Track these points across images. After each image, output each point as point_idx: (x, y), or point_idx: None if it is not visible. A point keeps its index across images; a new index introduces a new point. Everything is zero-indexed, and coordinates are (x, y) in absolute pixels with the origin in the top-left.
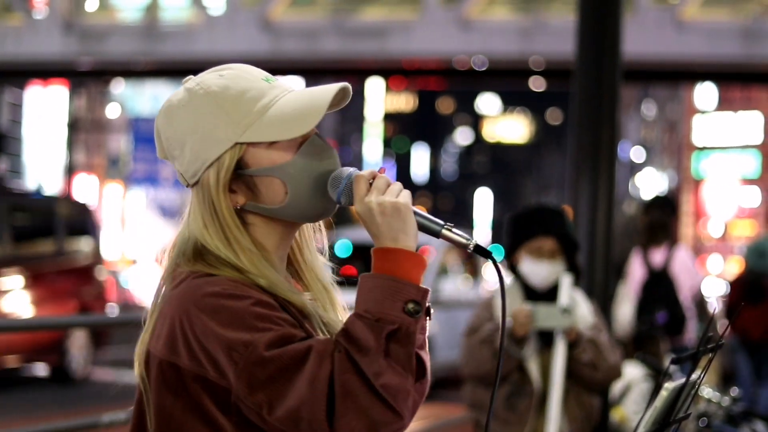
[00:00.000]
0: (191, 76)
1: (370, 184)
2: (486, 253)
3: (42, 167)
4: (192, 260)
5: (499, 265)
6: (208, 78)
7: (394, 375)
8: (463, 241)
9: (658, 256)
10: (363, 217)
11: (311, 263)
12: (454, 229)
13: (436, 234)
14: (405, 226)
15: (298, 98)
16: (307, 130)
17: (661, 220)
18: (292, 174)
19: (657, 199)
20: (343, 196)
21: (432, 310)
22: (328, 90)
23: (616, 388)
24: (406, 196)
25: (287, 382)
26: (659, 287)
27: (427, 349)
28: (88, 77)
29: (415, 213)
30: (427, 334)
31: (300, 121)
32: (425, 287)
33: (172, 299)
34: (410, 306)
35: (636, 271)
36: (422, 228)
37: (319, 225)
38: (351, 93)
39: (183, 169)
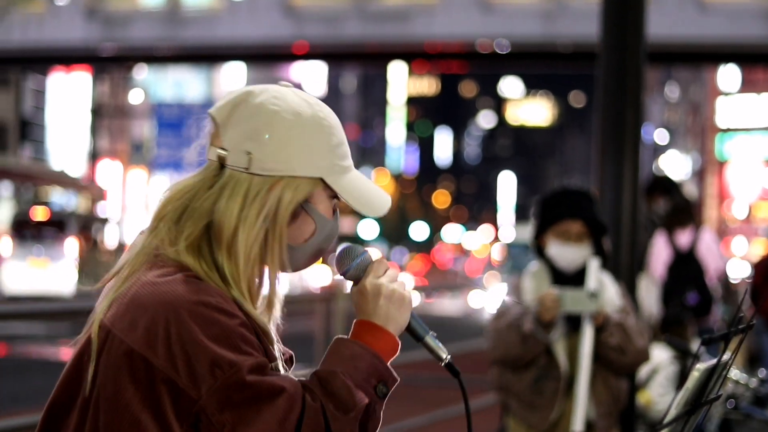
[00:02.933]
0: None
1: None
2: (454, 372)
3: (65, 153)
4: (187, 250)
5: (464, 387)
6: (322, 105)
7: None
8: (441, 354)
9: (683, 238)
10: (368, 293)
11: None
12: (436, 340)
13: (420, 338)
14: (400, 318)
15: (368, 184)
16: (376, 214)
17: (685, 202)
18: (325, 230)
19: (664, 180)
20: (356, 271)
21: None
22: (387, 196)
23: (643, 371)
24: (413, 296)
25: (257, 412)
26: (686, 269)
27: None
28: (111, 63)
29: (411, 314)
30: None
31: (374, 205)
32: (396, 376)
33: (158, 294)
34: (381, 387)
35: (661, 253)
36: (409, 327)
37: None
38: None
39: (259, 155)
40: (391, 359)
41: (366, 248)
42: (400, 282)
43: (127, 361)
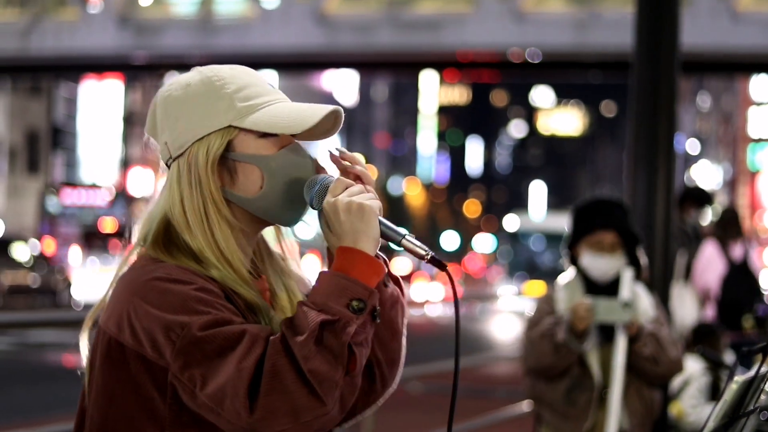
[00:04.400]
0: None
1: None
2: (441, 265)
3: (97, 161)
4: (151, 244)
5: (453, 277)
6: (220, 66)
7: (324, 363)
8: (421, 252)
9: (737, 251)
10: (329, 214)
11: (286, 272)
12: (413, 240)
13: (397, 242)
14: (367, 228)
15: (296, 106)
16: (299, 130)
17: (734, 213)
18: (272, 168)
19: (695, 191)
20: (316, 197)
21: (378, 313)
22: (321, 108)
23: (675, 382)
24: (375, 203)
25: (221, 361)
26: (745, 281)
27: (366, 349)
28: (143, 71)
29: (380, 220)
30: (369, 335)
31: (291, 123)
32: (373, 289)
33: (121, 281)
34: (354, 303)
35: (713, 265)
36: (384, 235)
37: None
38: (342, 121)
39: (171, 140)
40: (378, 273)
41: (329, 174)
42: (361, 194)
43: (107, 350)
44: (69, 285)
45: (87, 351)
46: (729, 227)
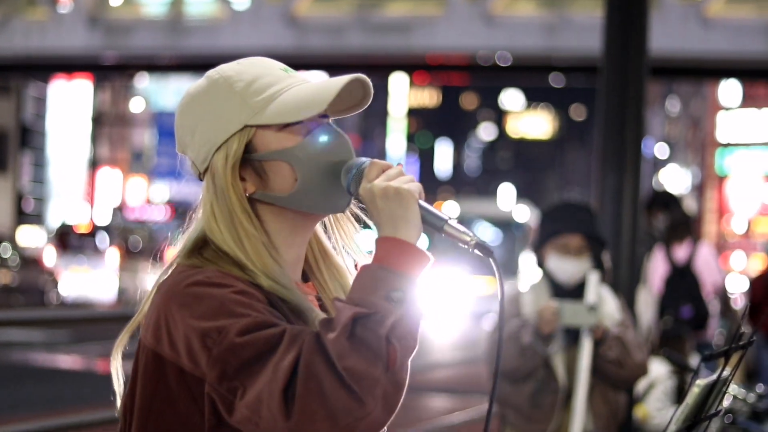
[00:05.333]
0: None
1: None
2: (488, 252)
3: (65, 161)
4: (188, 254)
5: (498, 266)
6: (226, 65)
7: (360, 360)
8: (466, 237)
9: (680, 253)
10: (366, 200)
11: (342, 271)
12: (457, 225)
13: (439, 228)
14: (406, 213)
15: (312, 87)
16: (315, 113)
17: (683, 216)
18: (300, 158)
19: (663, 195)
20: (353, 183)
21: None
22: (341, 78)
23: (641, 385)
24: (414, 186)
25: (260, 366)
26: (682, 283)
27: (411, 342)
28: (113, 71)
29: (420, 205)
30: (418, 328)
31: (310, 105)
32: (413, 279)
33: (160, 290)
34: (395, 294)
35: (658, 267)
36: (425, 220)
37: (354, 224)
38: (371, 88)
39: (194, 155)
40: (421, 262)
41: (365, 158)
42: (399, 177)
43: (146, 362)
44: (56, 284)
45: (119, 369)
46: (676, 230)
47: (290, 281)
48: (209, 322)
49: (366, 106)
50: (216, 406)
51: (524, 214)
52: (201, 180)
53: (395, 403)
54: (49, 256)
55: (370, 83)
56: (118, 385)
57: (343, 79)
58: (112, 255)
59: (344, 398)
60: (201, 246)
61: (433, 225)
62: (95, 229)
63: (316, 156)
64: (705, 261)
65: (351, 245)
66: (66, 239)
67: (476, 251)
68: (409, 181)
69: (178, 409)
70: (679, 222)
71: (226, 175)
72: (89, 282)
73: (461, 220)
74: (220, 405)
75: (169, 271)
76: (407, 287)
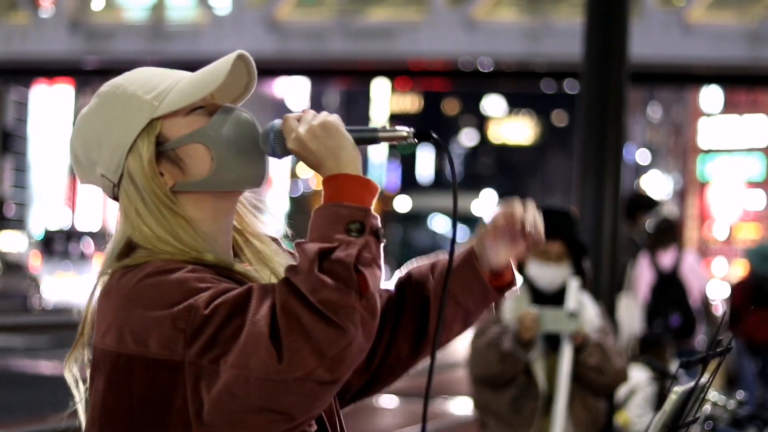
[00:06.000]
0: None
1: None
2: (427, 136)
3: (47, 166)
4: (117, 258)
5: (447, 148)
6: (112, 80)
7: (333, 290)
8: (403, 134)
9: (666, 260)
10: (299, 151)
11: (267, 255)
12: (389, 128)
13: (375, 140)
14: (340, 141)
15: (205, 70)
16: (214, 87)
17: (668, 222)
18: (212, 135)
19: (644, 200)
20: (277, 145)
21: (382, 232)
22: (230, 55)
23: (621, 391)
24: (333, 116)
25: (238, 326)
26: (669, 290)
27: (377, 270)
28: (94, 76)
29: (347, 128)
30: (377, 255)
31: (207, 83)
32: (367, 208)
33: (105, 298)
34: (352, 226)
35: (644, 275)
36: (359, 141)
37: (256, 203)
38: (255, 69)
39: (105, 168)
40: (370, 191)
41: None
42: (316, 117)
43: (113, 367)
44: (39, 288)
45: (78, 378)
46: (660, 236)
47: (231, 258)
48: (175, 306)
49: (251, 91)
50: (198, 390)
51: (485, 207)
52: (115, 198)
53: (372, 329)
54: (34, 262)
55: (254, 64)
56: (78, 394)
57: (232, 55)
58: (98, 260)
59: (325, 330)
60: (129, 251)
61: (368, 140)
62: (81, 235)
63: (228, 130)
64: (691, 268)
65: (261, 237)
66: (51, 244)
67: (416, 140)
68: (327, 116)
69: (161, 402)
70: (663, 228)
71: (145, 171)
72: (75, 287)
73: (416, 214)
74: (204, 382)
75: (105, 278)
76: (363, 217)
